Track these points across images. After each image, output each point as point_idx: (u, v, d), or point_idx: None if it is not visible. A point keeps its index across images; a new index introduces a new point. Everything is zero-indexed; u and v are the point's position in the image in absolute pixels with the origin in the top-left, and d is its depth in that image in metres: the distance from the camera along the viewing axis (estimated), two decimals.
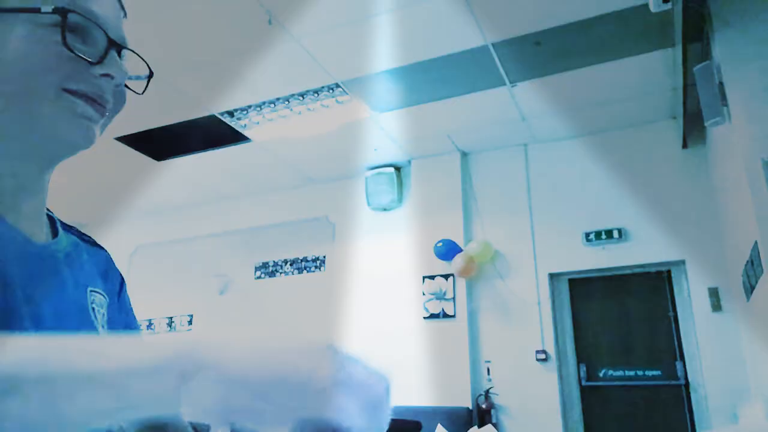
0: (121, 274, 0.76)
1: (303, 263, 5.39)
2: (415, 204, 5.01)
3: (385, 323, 4.72)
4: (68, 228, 0.70)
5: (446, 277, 4.64)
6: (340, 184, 5.38)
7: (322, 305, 5.02)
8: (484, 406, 4.29)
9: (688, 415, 3.91)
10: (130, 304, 0.77)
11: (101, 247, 0.75)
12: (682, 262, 4.19)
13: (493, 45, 3.50)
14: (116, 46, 0.60)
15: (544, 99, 4.14)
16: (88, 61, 0.57)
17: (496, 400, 4.33)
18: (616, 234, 4.33)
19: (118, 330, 0.72)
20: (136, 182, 5.32)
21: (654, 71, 3.83)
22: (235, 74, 3.69)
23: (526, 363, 4.32)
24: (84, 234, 0.73)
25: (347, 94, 3.99)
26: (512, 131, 4.64)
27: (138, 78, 0.66)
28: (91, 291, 0.65)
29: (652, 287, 4.32)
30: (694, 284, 4.08)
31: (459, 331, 4.52)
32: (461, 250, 4.59)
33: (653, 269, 4.34)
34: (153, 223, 6.11)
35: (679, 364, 4.03)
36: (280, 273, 5.45)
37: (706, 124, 3.06)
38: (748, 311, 3.31)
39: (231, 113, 4.17)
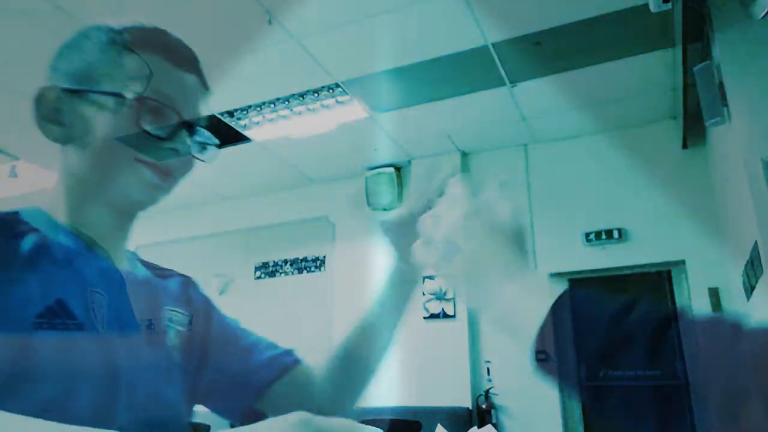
0: (208, 298, 0.87)
1: (303, 263, 5.39)
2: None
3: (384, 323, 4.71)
4: (148, 266, 0.82)
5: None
6: (340, 184, 5.38)
7: (322, 305, 5.02)
8: (484, 406, 4.29)
9: (688, 415, 3.91)
10: (229, 321, 0.87)
11: (180, 277, 0.85)
12: (682, 262, 4.19)
13: (493, 45, 3.50)
14: (186, 125, 0.71)
15: (544, 99, 4.14)
16: (160, 138, 0.69)
17: (496, 400, 4.33)
18: (616, 234, 4.33)
19: (215, 346, 0.82)
20: None
21: (654, 71, 3.83)
22: (235, 74, 3.70)
23: (526, 363, 4.32)
24: (160, 269, 0.84)
25: (347, 94, 3.99)
26: (512, 131, 4.64)
27: (208, 145, 0.77)
28: (168, 311, 0.75)
29: (652, 287, 4.32)
30: (694, 284, 4.08)
31: (459, 331, 4.52)
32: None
33: (653, 269, 4.34)
34: (153, 223, 6.11)
35: (679, 364, 4.02)
36: (280, 273, 5.45)
37: (706, 124, 3.06)
38: (748, 311, 3.31)
39: (231, 113, 4.17)
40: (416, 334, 4.58)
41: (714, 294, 3.97)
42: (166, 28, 0.77)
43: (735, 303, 3.79)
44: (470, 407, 4.30)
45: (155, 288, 0.76)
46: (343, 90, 3.94)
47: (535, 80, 3.90)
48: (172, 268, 0.86)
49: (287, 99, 4.02)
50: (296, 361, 0.86)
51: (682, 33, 3.08)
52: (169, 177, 0.71)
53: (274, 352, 0.85)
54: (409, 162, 5.13)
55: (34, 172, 4.76)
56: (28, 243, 0.64)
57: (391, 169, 5.10)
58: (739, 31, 2.76)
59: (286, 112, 4.18)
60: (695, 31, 3.13)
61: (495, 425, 4.15)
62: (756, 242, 2.70)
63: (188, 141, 0.72)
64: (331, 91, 3.95)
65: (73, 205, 0.71)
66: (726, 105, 2.86)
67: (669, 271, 4.31)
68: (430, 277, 4.70)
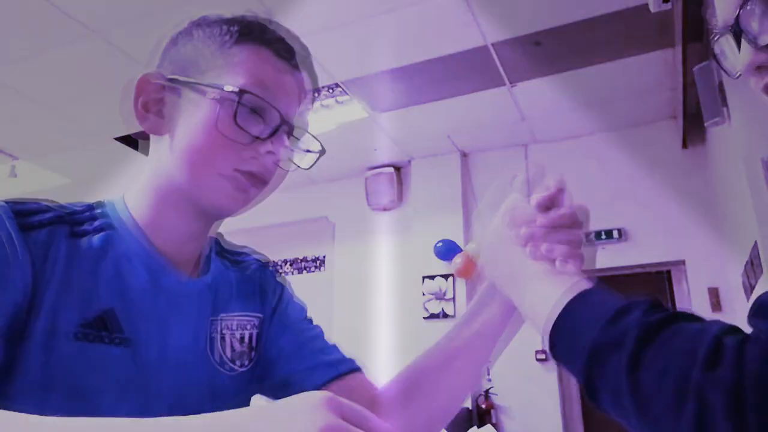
0: (281, 288, 0.82)
1: (303, 263, 5.39)
2: (415, 204, 5.01)
3: (385, 324, 4.72)
4: (225, 256, 0.79)
5: (446, 277, 4.64)
6: (340, 184, 5.38)
7: (322, 305, 5.02)
8: (483, 406, 4.29)
9: None
10: (293, 316, 0.81)
11: (261, 265, 0.82)
12: (682, 262, 4.19)
13: (493, 45, 3.50)
14: (286, 124, 0.66)
15: (544, 99, 4.14)
16: (257, 138, 0.64)
17: (496, 400, 4.33)
18: (616, 234, 4.33)
19: (274, 348, 0.77)
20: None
21: (654, 71, 3.83)
22: None
23: (526, 363, 4.32)
24: (244, 255, 0.81)
25: (347, 94, 3.99)
26: (512, 131, 4.64)
27: (308, 151, 0.73)
28: (224, 318, 0.71)
29: (652, 287, 4.32)
30: (694, 284, 4.08)
31: None
32: (461, 251, 4.59)
33: (653, 269, 4.34)
34: None
35: None
36: (280, 273, 5.45)
37: (705, 124, 3.06)
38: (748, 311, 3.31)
39: None
40: (416, 335, 4.58)
41: (714, 294, 3.97)
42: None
43: (735, 303, 3.79)
44: (470, 407, 4.30)
45: (218, 295, 0.72)
46: (343, 90, 3.94)
47: (535, 80, 3.90)
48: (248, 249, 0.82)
49: None
50: (345, 373, 0.77)
51: (681, 33, 3.08)
52: (262, 184, 0.68)
53: (321, 358, 0.77)
54: (409, 162, 5.13)
55: (34, 172, 4.76)
56: (98, 241, 0.64)
57: (391, 169, 5.10)
58: None
59: None
60: (695, 31, 3.13)
61: (494, 425, 4.15)
62: (756, 242, 2.70)
63: (287, 143, 0.68)
64: (331, 91, 3.95)
65: (155, 204, 0.68)
66: (726, 105, 2.86)
67: (669, 271, 4.31)
68: (430, 277, 4.70)
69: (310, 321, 0.84)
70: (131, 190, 0.70)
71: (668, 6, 2.77)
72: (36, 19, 3.10)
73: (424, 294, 4.67)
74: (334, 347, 0.80)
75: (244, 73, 0.64)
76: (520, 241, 0.61)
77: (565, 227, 0.60)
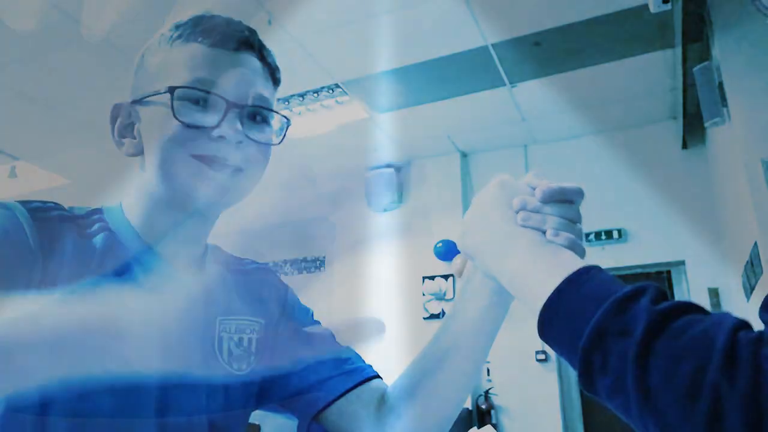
0: (283, 297, 0.83)
1: (303, 263, 5.39)
2: (415, 204, 5.01)
3: (384, 324, 4.71)
4: (225, 263, 0.81)
5: (446, 277, 4.64)
6: (340, 185, 5.38)
7: (321, 306, 5.01)
8: (483, 406, 4.29)
9: None
10: (300, 322, 0.82)
11: (262, 271, 0.84)
12: (682, 262, 4.19)
13: (493, 45, 3.50)
14: (237, 107, 0.67)
15: (544, 99, 4.14)
16: (204, 127, 0.66)
17: (496, 400, 4.33)
18: (616, 234, 4.33)
19: (278, 352, 0.77)
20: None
21: (654, 72, 3.83)
22: None
23: (526, 363, 4.32)
24: (243, 263, 0.83)
25: (347, 94, 3.99)
26: (512, 132, 4.64)
27: (280, 131, 0.78)
28: (222, 320, 0.73)
29: None
30: (694, 284, 4.08)
31: None
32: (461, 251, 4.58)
33: (653, 270, 4.34)
34: None
35: None
36: (280, 273, 5.44)
37: (705, 124, 3.07)
38: (748, 312, 3.31)
39: None
40: (416, 335, 4.58)
41: (714, 294, 3.97)
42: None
43: (735, 303, 3.79)
44: (470, 407, 4.30)
45: (216, 297, 0.74)
46: (343, 90, 3.94)
47: (534, 81, 3.90)
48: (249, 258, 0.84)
49: (287, 99, 4.02)
50: (359, 382, 0.77)
51: (681, 33, 3.08)
52: (224, 167, 0.68)
53: (334, 371, 0.77)
54: (409, 162, 5.13)
55: (34, 172, 4.76)
56: (99, 242, 0.68)
57: (391, 170, 5.10)
58: (739, 31, 2.77)
59: (285, 112, 4.18)
60: (695, 32, 3.13)
61: (494, 425, 4.15)
62: (756, 242, 2.70)
63: (239, 126, 0.67)
64: (330, 91, 3.95)
65: (148, 209, 0.72)
66: (726, 105, 2.86)
67: (669, 271, 4.32)
68: (430, 278, 4.70)
69: (318, 323, 0.84)
70: (128, 197, 0.75)
71: (668, 6, 2.77)
72: (36, 20, 3.10)
73: (424, 294, 4.68)
74: (346, 352, 0.81)
75: (180, 71, 0.67)
76: (511, 209, 0.59)
77: (558, 201, 0.59)
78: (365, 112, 4.24)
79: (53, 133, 4.25)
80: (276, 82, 0.75)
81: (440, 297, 4.62)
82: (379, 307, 4.84)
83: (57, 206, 0.68)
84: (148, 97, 0.68)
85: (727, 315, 0.40)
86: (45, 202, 0.67)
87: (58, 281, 0.61)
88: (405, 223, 5.02)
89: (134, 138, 0.71)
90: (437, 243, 4.66)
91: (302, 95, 3.98)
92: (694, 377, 0.37)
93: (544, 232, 0.56)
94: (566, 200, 0.59)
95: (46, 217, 0.64)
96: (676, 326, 0.40)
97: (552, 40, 3.44)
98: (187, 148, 0.66)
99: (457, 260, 4.51)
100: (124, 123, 0.71)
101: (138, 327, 0.63)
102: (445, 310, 4.59)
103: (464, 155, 5.00)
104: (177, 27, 0.72)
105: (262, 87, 0.71)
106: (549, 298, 0.48)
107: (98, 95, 3.82)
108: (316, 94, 3.98)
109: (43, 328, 0.47)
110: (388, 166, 5.13)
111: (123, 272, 0.67)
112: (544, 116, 4.40)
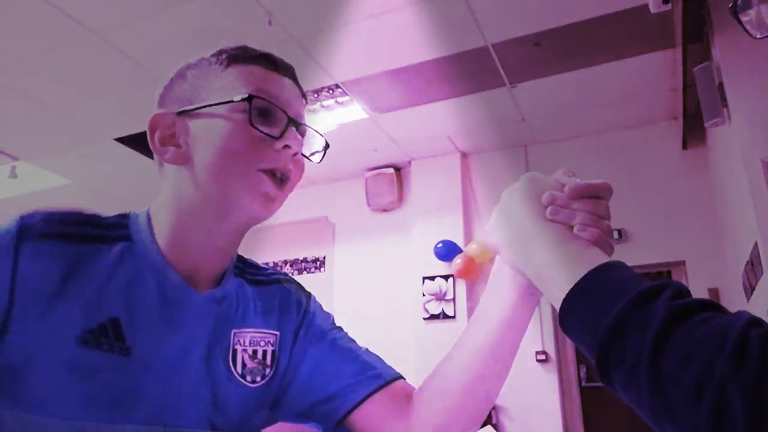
0: (304, 306, 0.83)
1: (303, 264, 5.39)
2: (415, 205, 5.01)
3: (384, 324, 4.72)
4: (244, 274, 0.81)
5: (446, 278, 4.64)
6: (340, 185, 5.38)
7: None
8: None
9: None
10: (322, 329, 0.82)
11: (283, 283, 0.84)
12: (682, 262, 4.19)
13: (493, 46, 3.50)
14: (294, 122, 0.72)
15: (544, 100, 4.14)
16: (272, 137, 0.69)
17: (496, 400, 4.33)
18: (616, 234, 4.33)
19: (298, 362, 0.78)
20: (137, 183, 5.32)
21: (654, 72, 3.83)
22: None
23: (526, 363, 4.32)
24: (263, 273, 0.84)
25: (347, 95, 3.99)
26: (512, 132, 4.64)
27: (317, 152, 0.82)
28: (236, 333, 0.74)
29: None
30: (694, 285, 4.07)
31: (459, 332, 4.48)
32: (461, 251, 4.59)
33: (653, 270, 4.34)
34: None
35: None
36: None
37: (705, 125, 3.07)
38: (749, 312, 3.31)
39: None
40: (416, 335, 4.58)
41: (714, 294, 3.97)
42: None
43: (735, 303, 3.79)
44: None
45: (224, 309, 0.74)
46: (343, 91, 3.94)
47: (535, 81, 3.91)
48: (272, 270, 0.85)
49: None
50: (382, 385, 0.77)
51: (681, 34, 3.08)
52: (284, 186, 0.72)
53: (356, 377, 0.77)
54: (409, 163, 5.13)
55: (34, 172, 4.76)
56: (113, 251, 0.68)
57: (391, 170, 5.10)
58: (738, 32, 2.76)
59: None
60: (695, 32, 3.14)
61: (495, 425, 4.14)
62: (756, 242, 2.70)
63: (300, 138, 0.73)
64: (331, 91, 3.95)
65: (177, 223, 0.72)
66: (726, 105, 2.87)
67: (669, 272, 4.31)
68: (431, 278, 4.70)
69: (340, 329, 0.84)
70: (155, 206, 0.74)
71: (668, 7, 2.77)
72: (36, 20, 3.10)
73: (424, 295, 4.68)
74: (367, 356, 0.81)
75: (243, 86, 0.70)
76: (539, 204, 0.59)
77: (588, 197, 0.59)
78: (365, 112, 4.24)
79: (53, 133, 4.25)
80: (305, 105, 0.80)
81: (440, 297, 4.62)
82: (379, 307, 4.84)
83: (73, 218, 0.68)
84: (213, 105, 0.70)
85: (743, 313, 0.41)
86: (64, 215, 0.67)
87: (41, 299, 0.62)
88: (405, 223, 5.02)
89: (179, 147, 0.71)
90: (437, 243, 4.66)
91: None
92: (704, 370, 0.37)
93: (572, 228, 0.57)
94: (595, 196, 0.59)
95: (43, 234, 0.64)
96: (692, 322, 0.40)
97: (552, 40, 3.44)
98: (254, 161, 0.68)
99: (458, 260, 4.51)
100: (167, 133, 0.72)
101: (146, 340, 0.66)
102: (445, 311, 4.59)
103: (464, 155, 5.00)
104: (222, 53, 0.74)
105: (302, 108, 0.77)
106: (571, 289, 0.49)
107: (98, 95, 3.83)
108: (316, 94, 3.98)
109: None
110: (388, 166, 5.13)
111: (135, 286, 0.67)
112: (544, 116, 4.40)
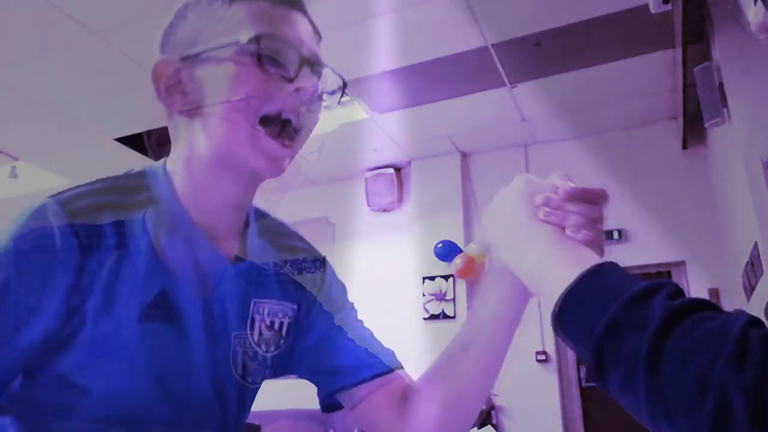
0: (318, 282, 0.86)
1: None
2: (415, 205, 5.01)
3: (384, 324, 4.70)
4: (268, 235, 0.81)
5: (446, 278, 4.64)
6: (340, 185, 5.38)
7: None
8: (483, 406, 4.29)
9: None
10: (336, 300, 0.84)
11: (305, 254, 0.85)
12: (682, 262, 4.19)
13: (493, 46, 3.50)
14: (308, 62, 0.68)
15: (544, 100, 4.14)
16: (285, 79, 0.65)
17: (496, 400, 4.33)
18: (616, 235, 4.33)
19: (310, 332, 0.79)
20: None
21: (654, 72, 3.83)
22: None
23: (526, 364, 4.32)
24: (287, 235, 0.85)
25: (347, 94, 3.99)
26: (512, 132, 4.64)
27: (333, 93, 0.77)
28: (256, 303, 0.74)
29: None
30: (694, 285, 4.08)
31: None
32: (461, 251, 4.59)
33: (653, 270, 4.33)
34: None
35: None
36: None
37: (706, 125, 3.07)
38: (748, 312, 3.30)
39: None
40: (416, 335, 4.58)
41: (714, 294, 3.97)
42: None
43: (735, 303, 3.79)
44: None
45: (251, 279, 0.74)
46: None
47: (535, 81, 3.91)
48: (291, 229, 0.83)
49: None
50: (383, 372, 0.77)
51: (681, 34, 3.08)
52: (296, 138, 0.68)
53: (361, 359, 0.77)
54: (409, 163, 5.13)
55: (34, 173, 4.76)
56: (143, 218, 0.65)
57: (391, 170, 5.09)
58: (739, 31, 2.76)
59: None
60: (695, 32, 3.14)
61: (495, 426, 4.14)
62: (756, 242, 2.70)
63: (315, 79, 0.69)
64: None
65: (193, 177, 0.69)
66: (726, 106, 2.87)
67: (669, 272, 4.31)
68: (431, 278, 4.70)
69: (351, 307, 0.85)
70: (171, 160, 0.71)
71: (668, 7, 2.77)
72: (36, 20, 3.10)
73: (424, 295, 4.68)
74: (372, 340, 0.82)
75: (250, 25, 0.64)
76: (533, 205, 0.59)
77: (582, 201, 0.59)
78: (365, 112, 4.24)
79: (53, 133, 4.25)
80: (319, 42, 0.75)
81: (440, 297, 4.62)
82: (379, 308, 4.83)
83: (92, 190, 0.66)
84: (219, 48, 0.65)
85: (741, 312, 0.40)
86: (80, 192, 0.65)
87: (101, 278, 0.61)
88: (405, 223, 5.02)
89: (185, 95, 0.67)
90: (437, 243, 4.66)
91: None
92: (703, 371, 0.37)
93: (564, 230, 0.57)
94: (589, 201, 0.59)
95: (82, 210, 0.62)
96: (690, 322, 0.40)
97: (552, 40, 3.44)
98: (264, 106, 0.64)
99: (458, 260, 4.51)
100: (172, 81, 0.67)
101: (187, 309, 0.66)
102: (445, 311, 4.59)
103: (464, 155, 5.00)
104: None
105: (316, 46, 0.72)
106: (565, 291, 0.49)
107: (98, 95, 3.82)
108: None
109: None
110: (388, 166, 5.13)
111: (168, 253, 0.66)
112: (544, 116, 4.40)
